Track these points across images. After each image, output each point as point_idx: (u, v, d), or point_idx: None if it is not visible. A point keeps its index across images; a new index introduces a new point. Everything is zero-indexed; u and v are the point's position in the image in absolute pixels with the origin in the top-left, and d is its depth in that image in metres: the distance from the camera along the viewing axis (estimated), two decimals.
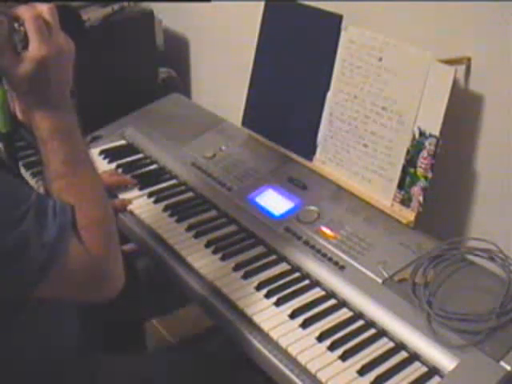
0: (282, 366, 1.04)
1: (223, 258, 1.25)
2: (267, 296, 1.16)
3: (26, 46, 0.88)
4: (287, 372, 1.03)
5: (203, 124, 1.69)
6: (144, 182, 1.50)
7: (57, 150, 0.91)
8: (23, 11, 0.89)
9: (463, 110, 1.28)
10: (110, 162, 1.60)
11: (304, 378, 1.02)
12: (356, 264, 1.20)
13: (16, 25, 0.89)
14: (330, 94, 1.42)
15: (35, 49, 0.88)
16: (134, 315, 1.52)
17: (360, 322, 1.12)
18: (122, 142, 1.69)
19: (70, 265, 0.87)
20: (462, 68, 1.25)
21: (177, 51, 2.11)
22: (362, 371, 1.01)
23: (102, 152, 1.63)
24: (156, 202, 1.43)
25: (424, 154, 1.24)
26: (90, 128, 1.70)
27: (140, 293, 1.50)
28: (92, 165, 0.97)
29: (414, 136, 1.25)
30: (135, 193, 1.47)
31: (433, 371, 1.02)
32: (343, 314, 1.14)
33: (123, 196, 1.45)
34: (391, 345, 1.07)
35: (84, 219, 0.91)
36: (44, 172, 0.94)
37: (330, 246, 1.24)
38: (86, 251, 0.89)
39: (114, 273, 0.94)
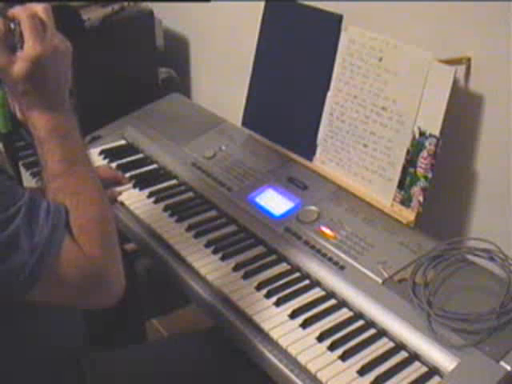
0: (282, 366, 1.04)
1: (223, 258, 1.25)
2: (267, 296, 1.16)
3: (21, 46, 0.88)
4: (287, 372, 1.03)
5: (203, 124, 1.69)
6: (144, 181, 1.50)
7: (54, 149, 0.90)
8: (19, 11, 0.89)
9: (463, 110, 1.28)
10: (110, 162, 1.60)
11: (304, 378, 1.02)
12: (356, 264, 1.20)
13: (12, 24, 0.89)
14: (330, 94, 1.42)
15: (30, 48, 0.88)
16: (134, 315, 1.52)
17: (360, 322, 1.12)
18: (122, 142, 1.69)
19: (64, 266, 0.84)
20: (462, 68, 1.25)
21: (177, 51, 2.11)
22: (362, 371, 1.01)
23: (102, 152, 1.63)
24: (156, 202, 1.43)
25: (424, 153, 1.24)
26: (90, 128, 1.70)
27: (140, 293, 1.50)
28: (90, 165, 0.96)
29: (414, 136, 1.25)
30: (135, 193, 1.47)
31: (433, 371, 1.02)
32: (343, 314, 1.14)
33: (123, 196, 1.45)
34: (391, 345, 1.07)
35: (80, 219, 0.89)
36: (42, 172, 0.93)
37: (329, 246, 1.24)
38: (81, 252, 0.87)
39: (112, 276, 0.91)
